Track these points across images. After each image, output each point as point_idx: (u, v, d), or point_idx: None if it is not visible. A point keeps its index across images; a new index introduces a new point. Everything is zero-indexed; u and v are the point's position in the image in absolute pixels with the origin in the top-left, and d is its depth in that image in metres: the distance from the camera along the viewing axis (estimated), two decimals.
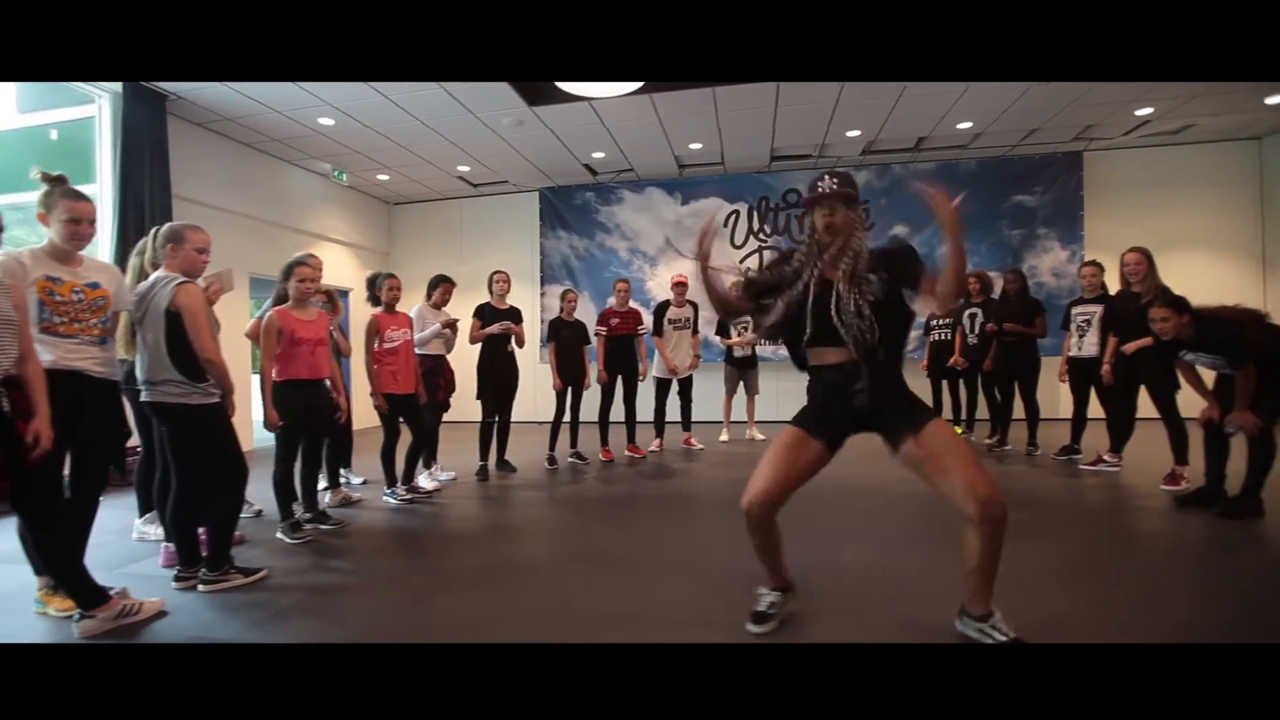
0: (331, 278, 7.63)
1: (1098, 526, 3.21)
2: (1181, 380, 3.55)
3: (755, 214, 7.73)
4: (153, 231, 2.70)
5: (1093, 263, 4.76)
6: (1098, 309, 4.54)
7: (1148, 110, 6.23)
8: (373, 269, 8.52)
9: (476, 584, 2.56)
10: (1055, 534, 3.03)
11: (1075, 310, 4.75)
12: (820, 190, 1.92)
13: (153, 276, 2.49)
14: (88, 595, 2.11)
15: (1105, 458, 4.50)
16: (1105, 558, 2.71)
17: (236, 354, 3.29)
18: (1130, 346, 3.86)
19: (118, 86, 5.13)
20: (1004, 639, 1.78)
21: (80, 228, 2.28)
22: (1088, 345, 4.60)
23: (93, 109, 5.29)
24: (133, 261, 2.85)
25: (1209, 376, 3.41)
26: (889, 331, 1.83)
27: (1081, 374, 4.67)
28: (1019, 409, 5.29)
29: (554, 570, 2.75)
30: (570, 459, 5.19)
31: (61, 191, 2.27)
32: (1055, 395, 6.22)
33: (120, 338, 2.58)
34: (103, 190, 5.25)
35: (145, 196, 5.24)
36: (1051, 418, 5.36)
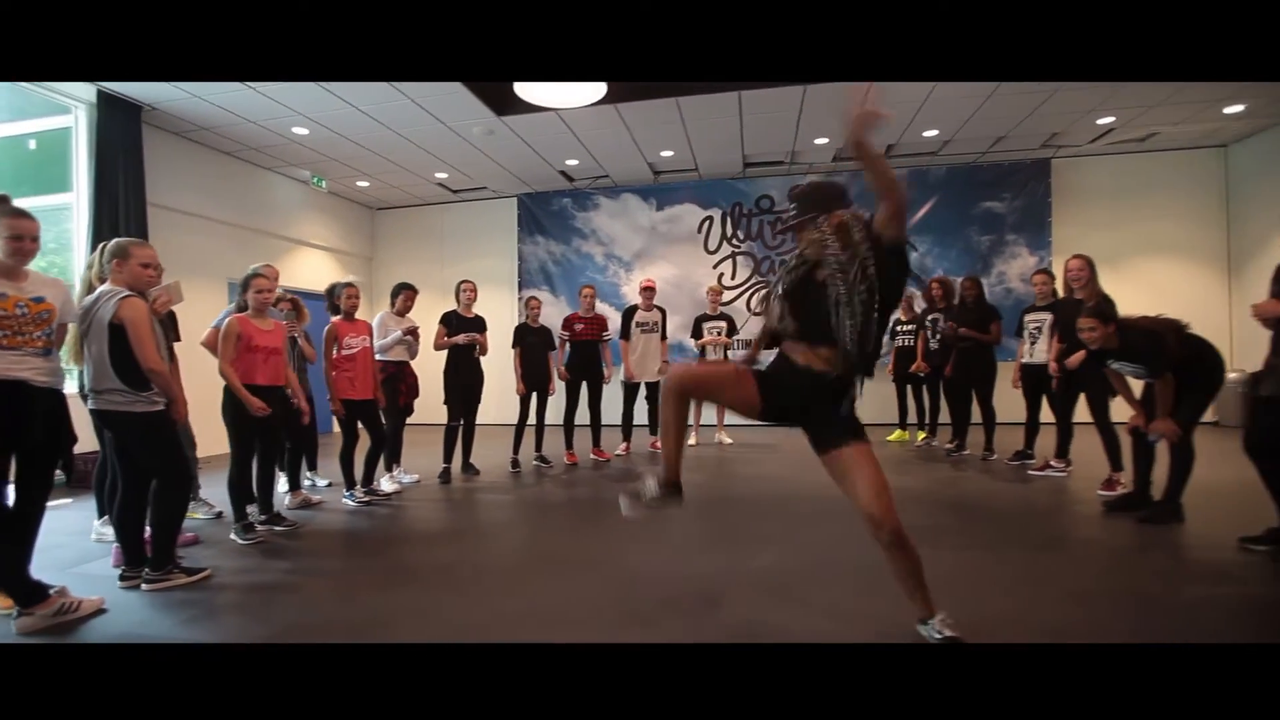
0: (312, 283, 7.78)
1: (1032, 530, 3.31)
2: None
3: (729, 220, 7.84)
4: (100, 246, 2.82)
5: (1044, 270, 4.86)
6: (1049, 316, 4.65)
7: (1109, 119, 6.33)
8: (356, 274, 8.65)
9: (414, 582, 2.67)
10: (993, 537, 3.14)
11: (1028, 317, 4.85)
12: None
13: (97, 290, 2.61)
14: (26, 594, 2.22)
15: (1053, 463, 4.60)
16: (1032, 560, 2.81)
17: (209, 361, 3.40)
18: (1073, 361, 3.97)
19: (93, 97, 5.25)
20: (938, 637, 1.87)
21: (23, 244, 2.39)
22: (1039, 352, 4.70)
23: (69, 119, 5.42)
24: (82, 275, 2.96)
25: (1141, 386, 3.51)
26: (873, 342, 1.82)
27: (1034, 380, 4.78)
28: (977, 414, 5.40)
29: (506, 570, 2.86)
30: (535, 462, 5.30)
31: (4, 210, 2.38)
32: (1013, 400, 6.32)
33: (69, 348, 2.70)
34: (79, 199, 5.38)
35: (121, 204, 5.36)
36: (1008, 422, 5.45)
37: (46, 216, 5.43)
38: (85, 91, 5.22)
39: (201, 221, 6.33)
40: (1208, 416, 3.30)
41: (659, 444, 5.84)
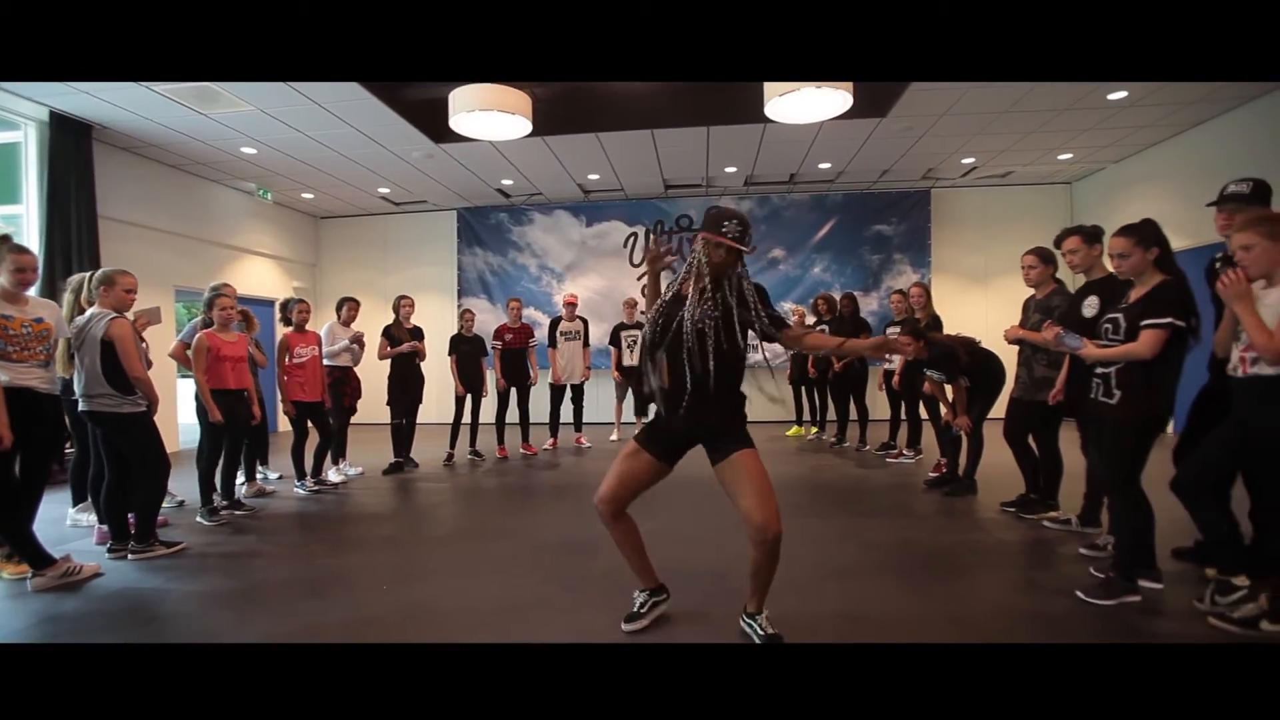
0: (258, 290, 8.15)
1: (864, 502, 4.19)
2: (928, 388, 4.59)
3: (652, 236, 8.63)
4: (88, 275, 3.31)
5: (899, 291, 5.81)
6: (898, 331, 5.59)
7: (971, 160, 7.42)
8: (300, 280, 9.05)
9: (362, 548, 3.31)
10: (829, 508, 3.99)
11: (889, 330, 5.79)
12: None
13: (89, 312, 3.14)
14: (39, 558, 2.76)
15: (905, 452, 5.57)
16: (850, 523, 3.65)
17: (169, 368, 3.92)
18: (898, 367, 4.90)
19: (44, 116, 5.56)
20: (761, 634, 2.06)
21: (26, 275, 2.92)
22: (897, 360, 5.65)
23: (18, 135, 5.70)
24: (68, 298, 3.44)
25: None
26: (723, 364, 1.98)
27: (891, 384, 5.72)
28: (855, 413, 6.34)
29: (440, 539, 3.52)
30: (469, 456, 5.94)
31: (9, 247, 2.90)
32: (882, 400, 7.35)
33: (60, 360, 3.20)
34: (29, 211, 5.67)
35: (72, 218, 5.69)
36: (879, 419, 6.42)
37: None
38: (36, 111, 5.53)
39: (150, 232, 6.66)
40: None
41: (582, 440, 6.63)
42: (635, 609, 2.27)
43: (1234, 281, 2.07)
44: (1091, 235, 3.11)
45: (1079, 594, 2.45)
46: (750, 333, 2.06)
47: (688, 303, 2.00)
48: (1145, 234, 2.45)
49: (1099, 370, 2.58)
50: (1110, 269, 2.80)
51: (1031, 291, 3.70)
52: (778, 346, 2.16)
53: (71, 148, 5.72)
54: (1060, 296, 3.50)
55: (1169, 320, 2.30)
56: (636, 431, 2.19)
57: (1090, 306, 2.93)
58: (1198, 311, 2.37)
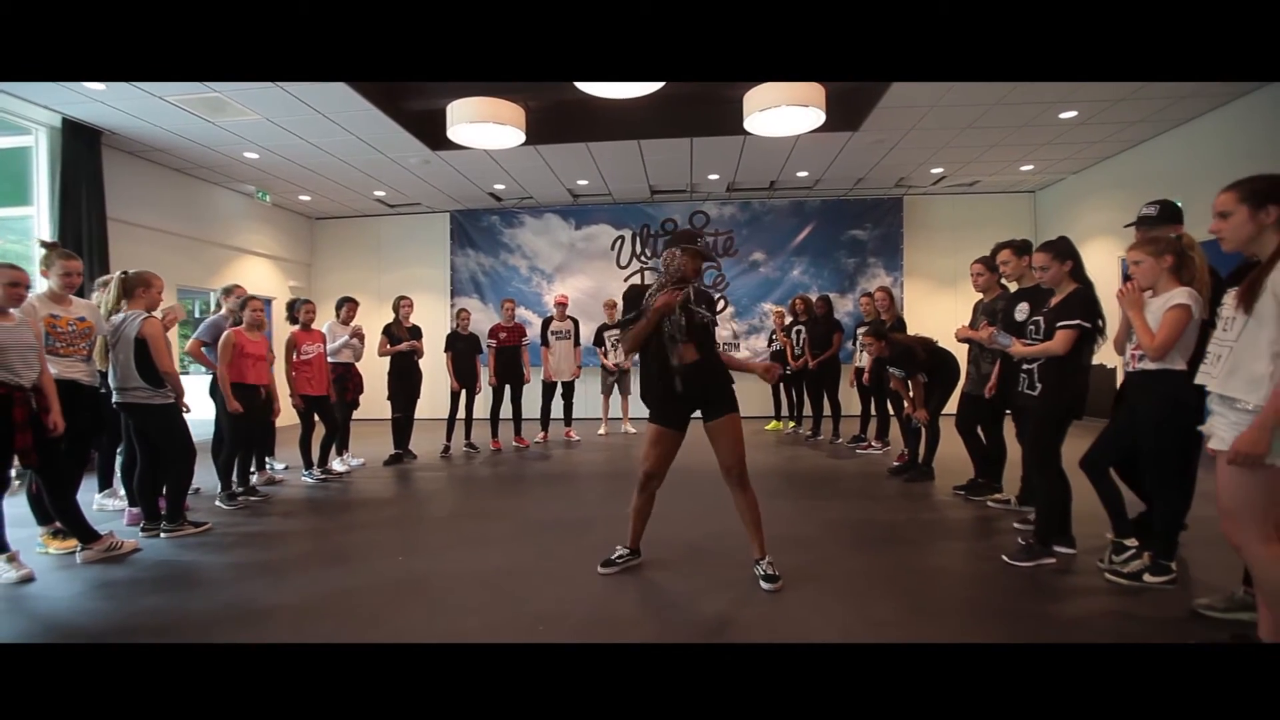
0: (255, 289, 8.37)
1: (829, 488, 4.58)
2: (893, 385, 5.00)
3: (638, 239, 8.99)
4: (121, 275, 3.56)
5: (867, 293, 6.21)
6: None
7: (940, 170, 7.87)
8: (295, 280, 9.30)
9: (369, 527, 3.64)
10: (800, 492, 4.38)
11: (860, 331, 6.20)
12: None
13: (124, 314, 3.43)
14: (87, 533, 3.07)
15: (873, 443, 5.98)
16: (813, 505, 4.04)
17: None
18: (867, 364, 5.31)
19: (56, 121, 5.80)
20: (764, 574, 2.56)
21: (71, 279, 3.23)
22: (867, 358, 6.05)
23: (29, 139, 5.93)
24: (105, 297, 3.69)
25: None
26: (708, 345, 2.61)
27: (862, 380, 6.13)
28: (830, 408, 6.75)
29: (439, 520, 3.86)
30: (464, 449, 6.27)
31: (59, 253, 3.21)
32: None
33: (98, 354, 3.50)
34: (40, 213, 5.91)
35: (83, 220, 5.93)
36: (851, 415, 6.83)
37: (5, 227, 6.01)
38: (48, 117, 5.76)
39: (154, 233, 6.90)
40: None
41: (572, 434, 6.98)
42: (613, 558, 2.84)
43: (1128, 291, 2.47)
44: (1021, 248, 3.51)
45: (1004, 558, 2.85)
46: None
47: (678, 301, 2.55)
48: (1061, 249, 2.86)
49: (1025, 366, 2.99)
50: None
51: (980, 296, 4.10)
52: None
53: (83, 153, 5.96)
54: (1004, 301, 3.90)
55: (1078, 322, 2.70)
56: (651, 418, 2.71)
57: (1021, 311, 3.33)
58: (1103, 315, 2.78)
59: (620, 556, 2.85)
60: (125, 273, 3.54)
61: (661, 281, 2.67)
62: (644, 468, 2.71)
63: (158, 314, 3.61)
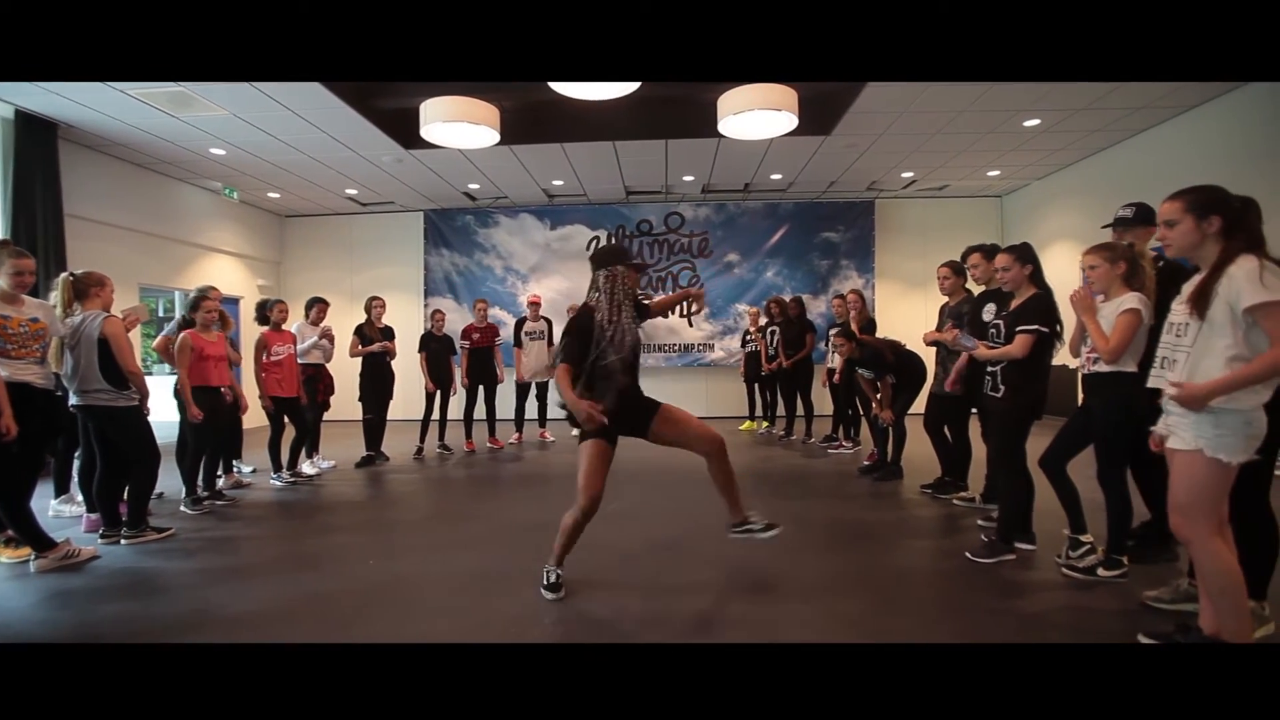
0: (223, 288, 8.15)
1: (799, 487, 4.65)
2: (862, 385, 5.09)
3: (613, 240, 8.99)
4: (68, 277, 3.44)
5: (839, 295, 6.32)
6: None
7: (910, 174, 8.02)
8: (264, 279, 9.11)
9: (341, 531, 3.59)
10: (771, 491, 4.43)
11: (831, 332, 6.29)
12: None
13: (82, 313, 3.33)
14: (41, 541, 2.98)
15: (844, 443, 6.08)
16: (784, 504, 4.09)
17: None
18: (838, 365, 5.39)
19: (8, 112, 5.60)
20: (759, 524, 2.52)
21: (24, 279, 3.12)
22: (838, 359, 6.14)
23: None
24: (59, 296, 3.57)
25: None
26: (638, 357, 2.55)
27: (833, 380, 6.22)
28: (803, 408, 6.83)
29: (411, 522, 3.82)
30: (438, 450, 6.21)
31: (10, 252, 3.10)
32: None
33: (52, 355, 3.39)
34: None
35: (38, 217, 5.74)
36: (823, 415, 6.94)
37: None
38: (1, 109, 5.57)
39: (115, 230, 6.70)
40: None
41: (546, 434, 6.95)
42: (554, 580, 2.56)
43: (1081, 297, 2.56)
44: (990, 252, 3.61)
45: (967, 554, 2.92)
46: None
47: (620, 318, 2.44)
48: (1022, 254, 2.95)
49: (989, 369, 3.07)
50: None
51: (946, 299, 4.20)
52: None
53: (38, 146, 5.77)
54: (969, 304, 4.00)
55: (1035, 327, 2.79)
56: (581, 434, 2.49)
57: (988, 311, 3.42)
58: (1061, 320, 2.87)
59: (559, 576, 2.57)
60: (73, 274, 3.44)
61: (617, 300, 2.45)
62: (589, 493, 2.41)
63: (118, 314, 3.52)
